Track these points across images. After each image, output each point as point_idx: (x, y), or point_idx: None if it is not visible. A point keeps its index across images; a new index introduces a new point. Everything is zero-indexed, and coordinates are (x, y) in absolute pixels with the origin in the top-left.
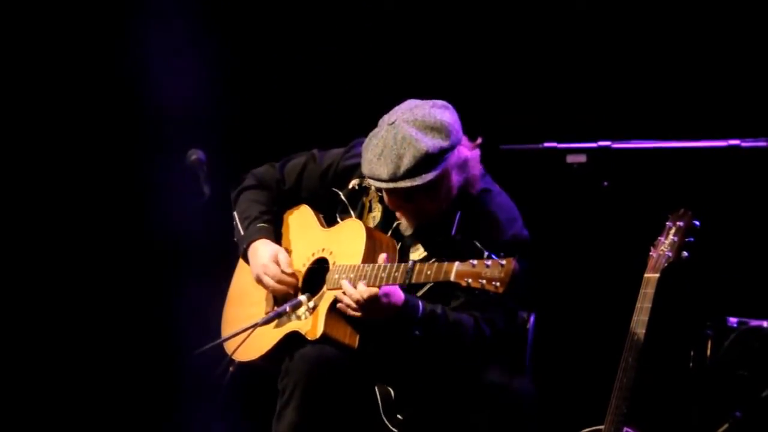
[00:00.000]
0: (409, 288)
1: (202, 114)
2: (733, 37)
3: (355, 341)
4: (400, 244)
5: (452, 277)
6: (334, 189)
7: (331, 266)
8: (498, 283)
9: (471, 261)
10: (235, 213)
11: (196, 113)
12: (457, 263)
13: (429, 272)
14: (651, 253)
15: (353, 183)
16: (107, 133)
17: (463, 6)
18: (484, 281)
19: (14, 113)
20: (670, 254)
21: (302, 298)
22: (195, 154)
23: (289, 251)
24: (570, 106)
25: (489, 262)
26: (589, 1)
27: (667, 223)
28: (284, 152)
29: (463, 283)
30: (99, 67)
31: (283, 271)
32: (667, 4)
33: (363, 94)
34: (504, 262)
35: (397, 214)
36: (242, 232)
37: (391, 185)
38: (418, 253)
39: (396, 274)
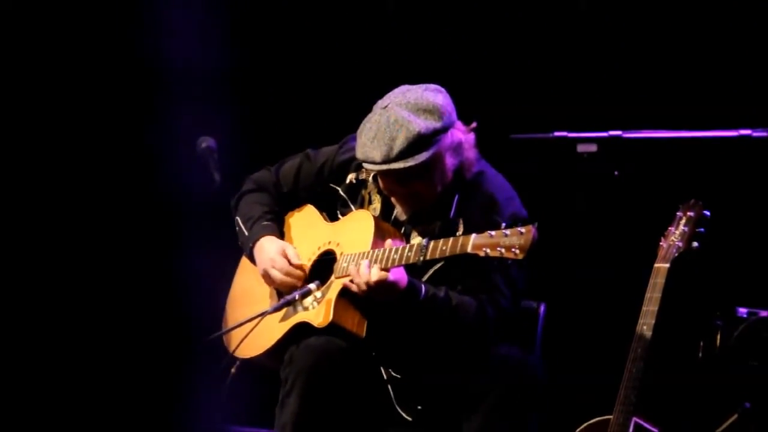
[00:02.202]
0: (414, 271)
1: (212, 101)
2: (744, 26)
3: (363, 329)
4: (402, 230)
5: (469, 249)
6: (332, 185)
7: (338, 257)
8: (518, 250)
9: (489, 232)
10: (237, 218)
11: (207, 101)
12: (474, 235)
13: (444, 247)
14: (661, 243)
15: (350, 177)
16: (117, 123)
17: None
18: (503, 249)
19: (21, 106)
20: (681, 244)
21: (312, 285)
22: (206, 142)
23: (294, 247)
24: (581, 95)
25: (508, 231)
26: None
27: (678, 213)
28: (293, 141)
29: (481, 254)
30: (108, 57)
31: (291, 263)
32: None
33: (370, 85)
34: (523, 229)
35: (392, 200)
36: (246, 233)
37: (384, 167)
38: (417, 239)
39: (409, 254)
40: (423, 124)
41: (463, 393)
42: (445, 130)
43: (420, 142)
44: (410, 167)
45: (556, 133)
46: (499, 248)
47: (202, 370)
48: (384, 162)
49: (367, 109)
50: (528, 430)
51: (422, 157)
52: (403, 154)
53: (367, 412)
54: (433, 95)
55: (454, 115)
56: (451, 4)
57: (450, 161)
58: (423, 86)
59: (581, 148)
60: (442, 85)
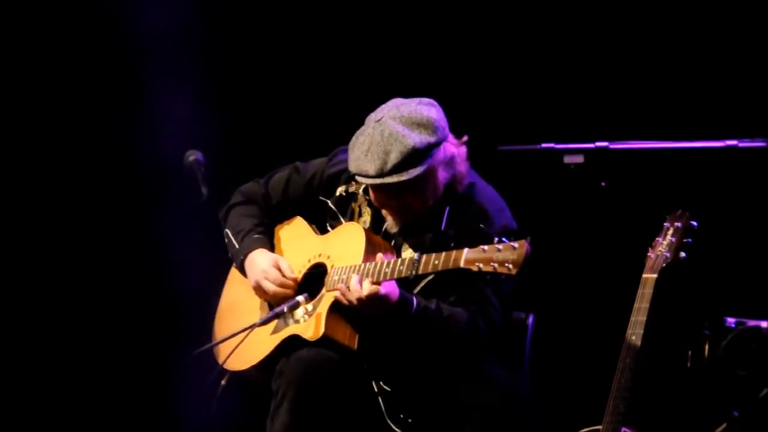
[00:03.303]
0: (405, 284)
1: (200, 115)
2: (730, 37)
3: (355, 342)
4: (393, 242)
5: (462, 264)
6: (321, 198)
7: (329, 269)
8: (511, 265)
9: (481, 246)
10: (227, 230)
11: (194, 115)
12: (466, 249)
13: (437, 262)
14: (649, 254)
15: (340, 190)
16: (106, 136)
17: (461, 7)
18: (496, 264)
19: (12, 114)
20: (668, 255)
21: (300, 298)
22: (193, 155)
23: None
24: (567, 106)
25: (501, 246)
26: (587, 1)
27: (665, 223)
28: (281, 154)
29: (474, 268)
30: (97, 69)
31: (284, 276)
32: (665, 4)
33: (358, 97)
34: (516, 244)
35: (383, 212)
36: (237, 246)
37: (378, 181)
38: (408, 252)
39: (401, 267)
40: (417, 138)
41: (453, 408)
42: (438, 144)
43: (414, 156)
44: (404, 181)
45: (543, 145)
46: (492, 263)
47: (191, 382)
48: (378, 176)
49: (356, 121)
50: None
51: (416, 171)
52: (397, 168)
53: (358, 424)
54: (427, 109)
55: (447, 129)
56: (440, 16)
57: (442, 175)
58: (416, 100)
59: (568, 159)
60: (430, 95)
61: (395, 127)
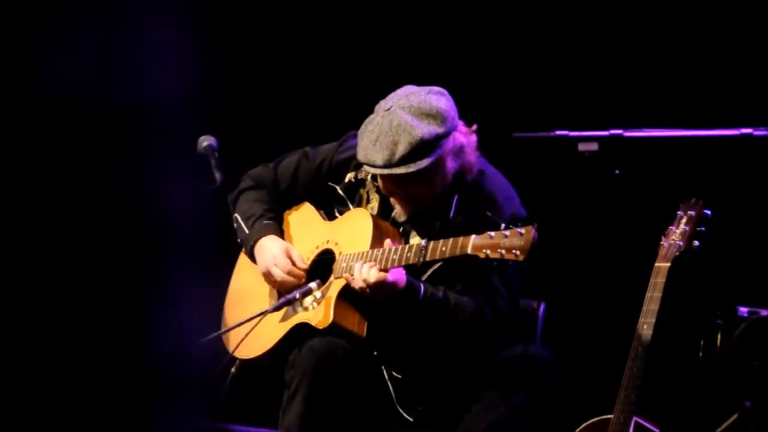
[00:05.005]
0: (413, 271)
1: (212, 101)
2: (746, 24)
3: (364, 329)
4: (401, 230)
5: (469, 250)
6: (330, 184)
7: (337, 256)
8: (518, 252)
9: (488, 233)
10: (236, 215)
11: (206, 100)
12: (473, 236)
13: (444, 248)
14: (662, 243)
15: (349, 176)
16: (114, 125)
17: None
18: (503, 251)
19: (16, 107)
20: (681, 243)
21: (312, 285)
22: (206, 141)
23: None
24: (582, 94)
25: (507, 232)
26: None
27: (679, 212)
28: (293, 139)
29: (482, 255)
30: (103, 61)
31: (294, 264)
32: None
33: (370, 83)
34: (523, 230)
35: (391, 200)
36: (247, 231)
37: (386, 171)
38: (416, 239)
39: (408, 254)
40: (426, 129)
41: (465, 392)
42: (447, 135)
43: (422, 147)
44: (411, 173)
45: (557, 132)
46: (499, 249)
47: (200, 368)
48: (386, 166)
49: (368, 106)
50: (528, 416)
51: (424, 162)
52: (405, 159)
53: (369, 412)
54: (436, 99)
55: (456, 119)
56: (451, 3)
57: (451, 165)
58: (426, 89)
59: (582, 146)
60: (443, 83)
61: (404, 118)
